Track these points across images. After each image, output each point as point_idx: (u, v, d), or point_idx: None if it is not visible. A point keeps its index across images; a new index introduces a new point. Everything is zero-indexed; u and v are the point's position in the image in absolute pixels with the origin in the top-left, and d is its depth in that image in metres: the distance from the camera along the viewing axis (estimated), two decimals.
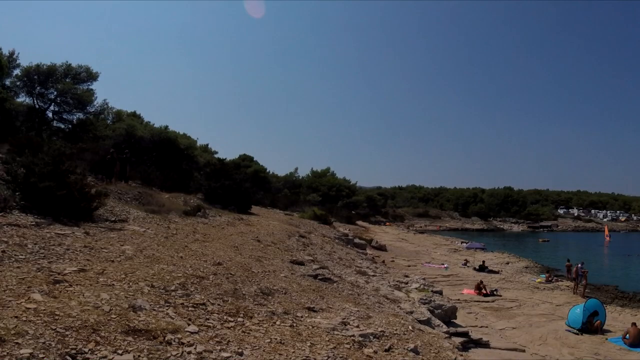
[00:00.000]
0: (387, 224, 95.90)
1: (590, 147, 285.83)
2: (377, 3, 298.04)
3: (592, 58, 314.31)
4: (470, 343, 12.47)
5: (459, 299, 23.77)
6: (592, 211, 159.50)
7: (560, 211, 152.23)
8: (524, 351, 15.23)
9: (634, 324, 17.95)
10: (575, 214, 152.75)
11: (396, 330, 8.56)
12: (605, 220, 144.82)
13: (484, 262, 37.59)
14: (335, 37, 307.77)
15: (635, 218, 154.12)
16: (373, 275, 14.33)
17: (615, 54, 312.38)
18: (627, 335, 17.41)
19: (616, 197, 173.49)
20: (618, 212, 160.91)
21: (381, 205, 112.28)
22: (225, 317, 7.21)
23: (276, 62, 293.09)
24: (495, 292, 26.50)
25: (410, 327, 8.99)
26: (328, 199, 78.81)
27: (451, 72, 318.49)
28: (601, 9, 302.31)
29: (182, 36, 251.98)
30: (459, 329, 12.93)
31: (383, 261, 31.68)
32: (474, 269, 35.82)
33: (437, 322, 10.69)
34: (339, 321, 7.99)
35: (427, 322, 10.10)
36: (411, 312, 10.31)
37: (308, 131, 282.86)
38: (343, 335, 7.37)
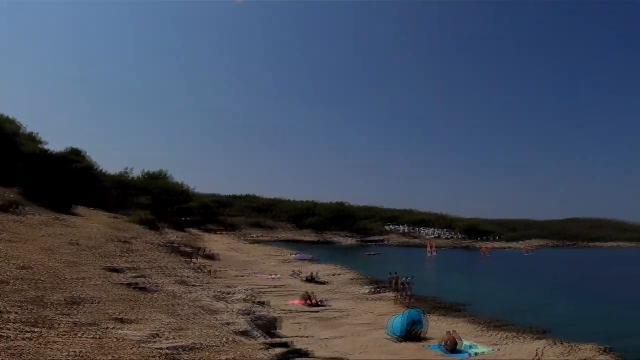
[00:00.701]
0: (221, 232, 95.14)
1: (418, 169, 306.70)
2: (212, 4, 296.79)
3: (415, 85, 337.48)
4: (291, 353, 12.50)
5: (286, 310, 24.00)
6: (419, 228, 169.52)
7: (390, 227, 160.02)
8: (346, 359, 15.62)
9: (451, 331, 19.28)
10: (403, 231, 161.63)
11: (211, 342, 8.33)
12: (430, 237, 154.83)
13: (313, 273, 38.41)
14: (171, 40, 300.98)
15: (457, 236, 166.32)
16: (195, 286, 13.94)
17: (436, 84, 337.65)
18: (446, 342, 18.60)
19: (442, 216, 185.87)
20: (442, 230, 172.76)
21: (216, 213, 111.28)
22: (23, 327, 6.60)
23: (115, 54, 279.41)
24: (322, 303, 27.08)
25: (226, 339, 8.82)
26: (160, 203, 76.13)
27: (285, 84, 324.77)
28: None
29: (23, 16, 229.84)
30: (280, 340, 12.93)
31: (211, 271, 31.09)
32: (304, 280, 36.45)
33: (257, 333, 10.59)
34: (149, 333, 7.61)
35: (246, 334, 9.96)
36: (230, 324, 10.12)
37: (143, 128, 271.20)
38: (151, 348, 7.01)
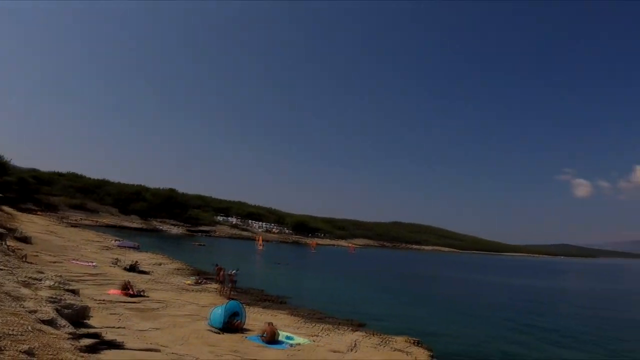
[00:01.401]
0: (38, 213, 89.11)
1: (250, 160, 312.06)
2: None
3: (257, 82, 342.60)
4: (101, 344, 12.13)
5: (102, 300, 23.09)
6: (249, 221, 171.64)
7: (220, 218, 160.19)
8: (159, 351, 15.36)
9: (269, 323, 19.79)
10: (234, 222, 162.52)
11: (12, 330, 7.87)
12: (260, 230, 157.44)
13: (135, 262, 37.34)
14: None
15: (286, 231, 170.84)
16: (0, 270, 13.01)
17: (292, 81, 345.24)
18: (264, 333, 19.05)
19: (272, 211, 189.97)
20: (272, 224, 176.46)
21: (35, 190, 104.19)
22: None
23: None
24: (142, 293, 26.40)
25: (29, 328, 8.37)
26: None
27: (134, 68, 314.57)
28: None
29: None
30: (90, 330, 12.49)
31: (24, 255, 28.99)
32: (124, 268, 35.30)
33: (64, 322, 10.13)
34: None
35: (51, 323, 9.50)
36: (34, 312, 9.59)
37: None
38: None
